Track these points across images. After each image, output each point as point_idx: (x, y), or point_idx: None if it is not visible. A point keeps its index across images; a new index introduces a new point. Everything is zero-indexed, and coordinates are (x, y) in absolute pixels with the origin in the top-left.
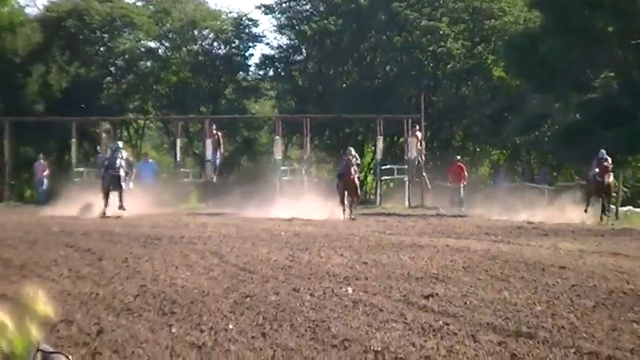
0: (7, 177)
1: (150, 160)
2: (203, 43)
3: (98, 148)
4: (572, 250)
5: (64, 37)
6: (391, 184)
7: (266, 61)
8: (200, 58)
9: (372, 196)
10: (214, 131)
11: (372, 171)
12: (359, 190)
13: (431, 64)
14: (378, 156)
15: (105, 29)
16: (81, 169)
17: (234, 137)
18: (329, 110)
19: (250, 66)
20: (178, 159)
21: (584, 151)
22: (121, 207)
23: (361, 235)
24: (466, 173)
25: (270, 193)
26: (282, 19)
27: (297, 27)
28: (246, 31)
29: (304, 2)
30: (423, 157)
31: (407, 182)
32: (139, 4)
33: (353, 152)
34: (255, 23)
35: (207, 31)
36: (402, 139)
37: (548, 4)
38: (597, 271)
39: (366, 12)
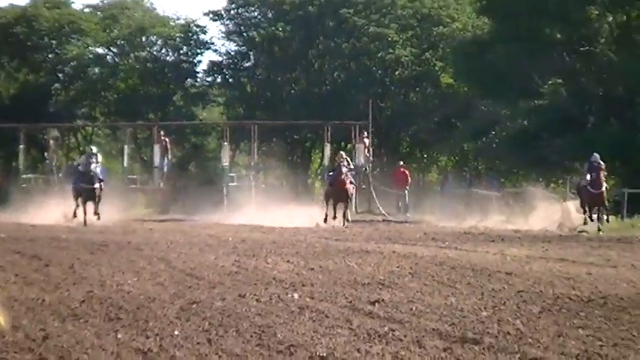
0: None
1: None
2: (151, 50)
3: (46, 154)
4: (519, 256)
5: (12, 43)
6: None
7: (214, 67)
8: (148, 64)
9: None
10: (162, 137)
11: (319, 177)
12: (351, 198)
13: (379, 71)
14: (326, 162)
15: (53, 35)
16: (29, 176)
17: (183, 144)
18: (277, 117)
19: (198, 73)
20: (126, 165)
21: (533, 157)
22: (96, 213)
23: (308, 241)
24: (410, 179)
25: (217, 200)
26: (231, 25)
27: (245, 33)
28: (195, 37)
29: (252, 9)
30: (370, 165)
31: (354, 188)
32: (86, 10)
33: (344, 156)
34: (204, 30)
35: (155, 37)
36: (349, 146)
37: (496, 11)
38: (544, 277)
39: (314, 18)
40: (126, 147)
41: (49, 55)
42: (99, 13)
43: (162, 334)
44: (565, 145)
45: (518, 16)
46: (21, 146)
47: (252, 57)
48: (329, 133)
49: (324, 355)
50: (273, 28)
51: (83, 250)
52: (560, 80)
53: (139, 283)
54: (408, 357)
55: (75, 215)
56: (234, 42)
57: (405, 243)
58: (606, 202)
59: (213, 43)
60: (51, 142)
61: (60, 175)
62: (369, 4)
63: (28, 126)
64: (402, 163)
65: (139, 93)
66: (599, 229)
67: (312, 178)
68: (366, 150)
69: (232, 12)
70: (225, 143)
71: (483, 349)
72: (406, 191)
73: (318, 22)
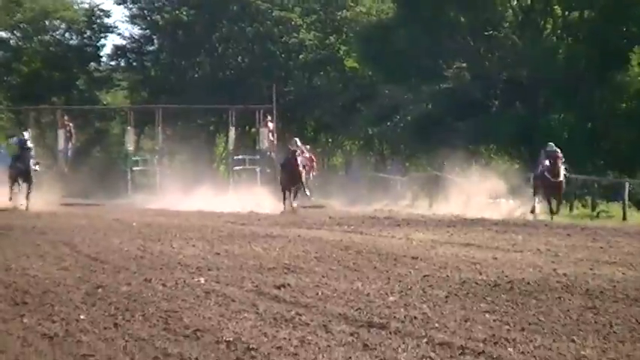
0: None
1: (1, 151)
2: (55, 34)
3: None
4: (425, 240)
5: None
6: (243, 175)
7: (118, 51)
8: (52, 48)
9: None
10: (66, 122)
11: (224, 161)
12: (303, 181)
13: (283, 55)
14: (230, 146)
15: None
16: None
17: (86, 128)
18: (181, 101)
19: (102, 57)
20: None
21: (437, 141)
22: (28, 196)
23: (213, 225)
24: (315, 164)
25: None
26: (135, 9)
27: (149, 17)
28: (98, 21)
29: None
30: (274, 149)
31: (258, 172)
32: None
33: (298, 143)
34: (108, 14)
35: (58, 21)
36: (254, 130)
37: None
38: (450, 262)
39: (218, 2)
40: (29, 131)
41: None
42: None
43: (68, 318)
44: (469, 129)
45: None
46: None
47: (156, 41)
48: (233, 117)
49: (231, 339)
50: (177, 12)
51: None
52: (464, 64)
53: (44, 267)
54: (315, 342)
55: (10, 199)
56: (138, 26)
57: (310, 227)
58: (562, 191)
59: (117, 27)
60: None
61: None
62: None
63: None
64: (307, 147)
65: (42, 77)
66: (551, 219)
67: (217, 162)
68: (270, 134)
69: None
70: (130, 127)
71: (390, 333)
72: (311, 176)
73: (221, 6)
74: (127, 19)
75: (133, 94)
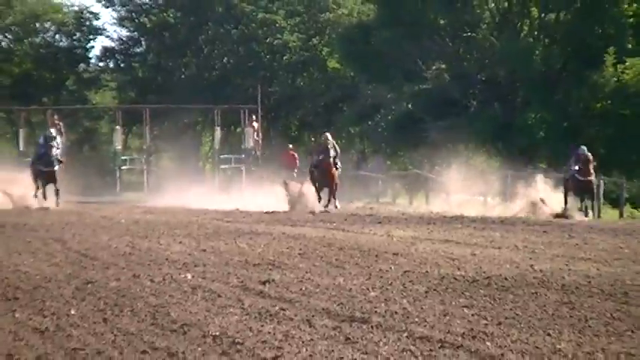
0: None
1: None
2: (45, 36)
3: None
4: (405, 237)
5: None
6: (229, 173)
7: (106, 52)
8: (42, 50)
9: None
10: (56, 121)
11: (210, 160)
12: (336, 180)
13: (267, 56)
14: (216, 146)
15: None
16: None
17: (76, 127)
18: (168, 101)
19: (91, 58)
20: (22, 148)
21: (417, 140)
22: (57, 193)
23: (200, 222)
24: (298, 162)
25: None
26: (123, 11)
27: (136, 20)
28: (87, 24)
29: None
30: (259, 148)
31: (244, 170)
32: None
33: (330, 138)
34: (96, 16)
35: (49, 23)
36: (239, 129)
37: None
38: (429, 258)
39: (203, 5)
40: (21, 131)
41: None
42: None
43: (59, 313)
44: (448, 128)
45: (402, 1)
46: None
47: (143, 42)
48: (219, 116)
49: (217, 333)
50: (163, 14)
51: None
52: (443, 65)
53: (35, 263)
54: (299, 336)
55: (36, 196)
56: (126, 28)
57: (294, 224)
58: (594, 192)
59: (105, 29)
60: None
61: None
62: None
63: None
64: (290, 146)
65: (32, 78)
66: (586, 215)
67: (203, 161)
68: (255, 133)
69: None
70: (118, 127)
71: (371, 327)
72: (294, 173)
73: (207, 8)
74: (115, 21)
75: (121, 94)
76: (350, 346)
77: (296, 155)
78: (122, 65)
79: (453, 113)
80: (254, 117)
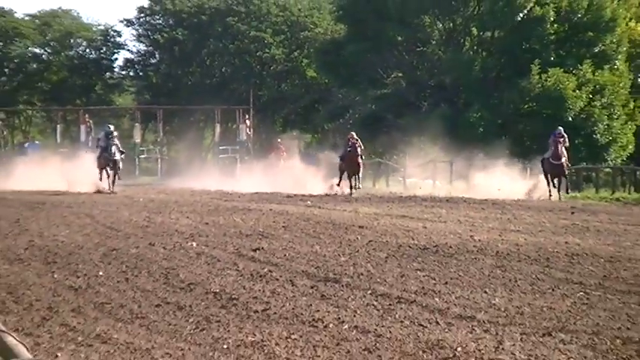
0: None
1: (36, 142)
2: (77, 50)
3: None
4: (369, 213)
5: None
6: (227, 161)
7: (127, 63)
8: (75, 61)
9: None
10: (86, 119)
11: (211, 150)
12: (361, 171)
13: (257, 66)
14: (216, 139)
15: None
16: None
17: (103, 124)
18: (177, 103)
19: (115, 67)
20: (59, 141)
21: (379, 135)
22: (112, 184)
23: (203, 201)
24: (285, 153)
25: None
26: (140, 30)
27: (151, 37)
28: (112, 40)
29: (157, 17)
30: (251, 141)
31: (238, 159)
32: (26, 18)
33: (355, 136)
34: (119, 34)
35: (80, 40)
36: (234, 126)
37: (349, 18)
38: (389, 230)
39: (206, 25)
40: (58, 127)
41: None
42: (36, 20)
43: (89, 274)
44: (405, 125)
45: (367, 21)
46: None
47: (157, 55)
48: (218, 115)
49: (217, 291)
50: (173, 32)
51: (25, 207)
52: (400, 73)
53: (69, 234)
54: (283, 293)
55: (100, 180)
56: (143, 43)
57: (279, 203)
58: (566, 173)
59: (126, 44)
60: None
61: (6, 148)
62: (249, 13)
63: None
64: (279, 140)
65: (67, 84)
66: (559, 198)
67: (205, 151)
68: (248, 129)
69: (141, 20)
70: (137, 124)
71: (342, 286)
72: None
73: (209, 28)
74: (134, 38)
75: (139, 97)
76: (325, 301)
77: (283, 147)
78: (140, 73)
79: (409, 113)
80: (247, 115)
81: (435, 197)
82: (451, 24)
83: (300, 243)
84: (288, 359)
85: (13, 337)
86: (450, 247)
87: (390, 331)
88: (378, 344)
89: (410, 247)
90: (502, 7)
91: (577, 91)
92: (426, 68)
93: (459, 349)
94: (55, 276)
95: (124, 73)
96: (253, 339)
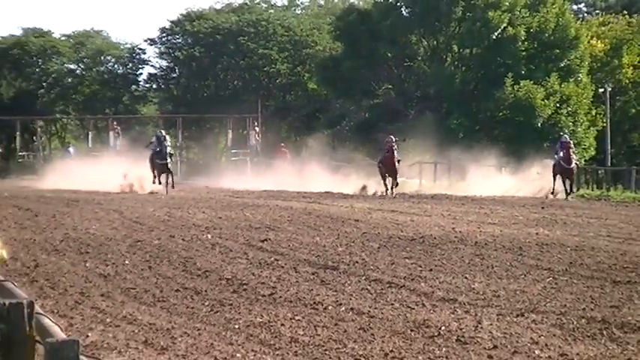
0: None
1: (71, 147)
2: (107, 66)
3: (34, 138)
4: (363, 208)
5: (11, 61)
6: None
7: (151, 77)
8: (105, 75)
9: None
10: (115, 127)
11: (224, 154)
12: (397, 173)
13: (265, 80)
14: (229, 143)
15: (39, 55)
16: (23, 154)
17: (129, 131)
18: (195, 112)
19: (140, 81)
20: (90, 146)
21: (371, 140)
22: (172, 185)
23: (217, 198)
24: (289, 156)
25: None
26: (162, 48)
27: (172, 54)
28: (137, 57)
29: (177, 37)
30: (259, 146)
31: (248, 161)
32: (63, 38)
33: (393, 140)
34: (144, 51)
35: (110, 57)
36: (245, 132)
37: (346, 37)
38: (380, 223)
39: (220, 43)
40: (90, 133)
41: (37, 69)
42: (71, 39)
43: (117, 263)
44: (394, 131)
45: (361, 40)
46: (17, 133)
47: (177, 70)
48: (230, 123)
49: (229, 277)
50: (191, 50)
51: (61, 204)
52: (390, 86)
53: (100, 227)
54: (288, 279)
55: (154, 182)
56: (165, 60)
57: (285, 199)
58: (574, 176)
59: (150, 61)
60: (38, 129)
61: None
62: (258, 33)
63: (22, 118)
64: (282, 144)
65: (98, 95)
66: (566, 199)
67: (219, 154)
68: (256, 135)
69: (163, 39)
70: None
71: (340, 273)
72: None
73: (222, 46)
74: (157, 55)
75: (161, 107)
76: (324, 286)
77: (286, 151)
78: (162, 86)
79: (398, 120)
80: (256, 123)
81: (421, 194)
82: (435, 42)
83: (303, 235)
84: (292, 337)
85: (49, 319)
86: (435, 238)
87: (382, 313)
88: (371, 324)
89: (399, 238)
90: (479, 27)
91: (545, 100)
92: (413, 81)
93: (443, 327)
94: (87, 265)
95: (148, 86)
96: (261, 320)
